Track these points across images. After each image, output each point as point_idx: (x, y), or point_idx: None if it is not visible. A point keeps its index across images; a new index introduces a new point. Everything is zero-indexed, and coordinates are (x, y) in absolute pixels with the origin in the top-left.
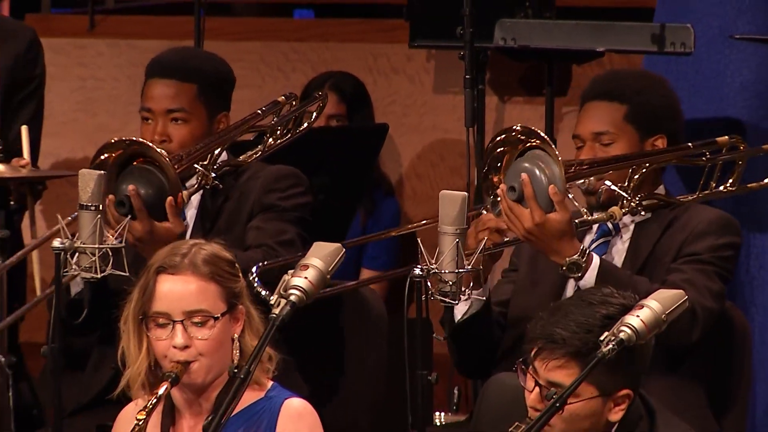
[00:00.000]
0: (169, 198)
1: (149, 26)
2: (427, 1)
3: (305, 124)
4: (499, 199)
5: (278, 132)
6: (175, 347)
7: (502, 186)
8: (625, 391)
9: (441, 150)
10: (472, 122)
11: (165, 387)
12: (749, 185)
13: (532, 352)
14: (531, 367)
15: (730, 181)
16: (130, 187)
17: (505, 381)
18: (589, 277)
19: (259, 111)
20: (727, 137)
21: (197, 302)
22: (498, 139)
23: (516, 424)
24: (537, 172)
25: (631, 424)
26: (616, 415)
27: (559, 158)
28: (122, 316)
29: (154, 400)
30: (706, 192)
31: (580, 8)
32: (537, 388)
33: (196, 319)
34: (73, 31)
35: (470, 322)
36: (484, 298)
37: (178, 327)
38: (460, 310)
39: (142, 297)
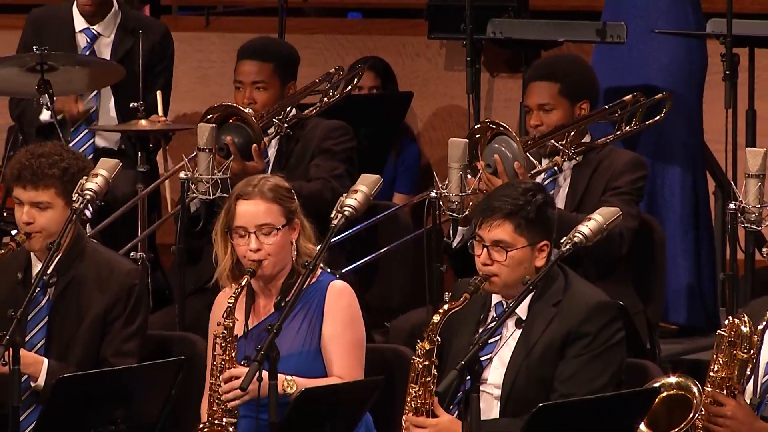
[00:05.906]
0: (254, 145)
1: (247, 24)
2: (440, 5)
3: (349, 87)
4: (480, 172)
5: (330, 93)
6: (250, 250)
7: (481, 163)
8: (544, 242)
9: (449, 110)
10: (471, 90)
11: (246, 279)
12: (647, 122)
13: (477, 226)
14: (478, 236)
15: (634, 121)
16: (228, 138)
17: (468, 280)
18: None
19: (316, 80)
20: (631, 96)
21: (264, 218)
22: (475, 128)
23: (475, 277)
24: (505, 151)
25: (551, 278)
26: (540, 261)
27: (518, 139)
28: (213, 230)
29: (239, 289)
30: (618, 133)
31: (547, 11)
32: (484, 250)
33: (264, 230)
34: (193, 27)
35: (462, 248)
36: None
37: (252, 236)
38: (455, 241)
39: (226, 216)
